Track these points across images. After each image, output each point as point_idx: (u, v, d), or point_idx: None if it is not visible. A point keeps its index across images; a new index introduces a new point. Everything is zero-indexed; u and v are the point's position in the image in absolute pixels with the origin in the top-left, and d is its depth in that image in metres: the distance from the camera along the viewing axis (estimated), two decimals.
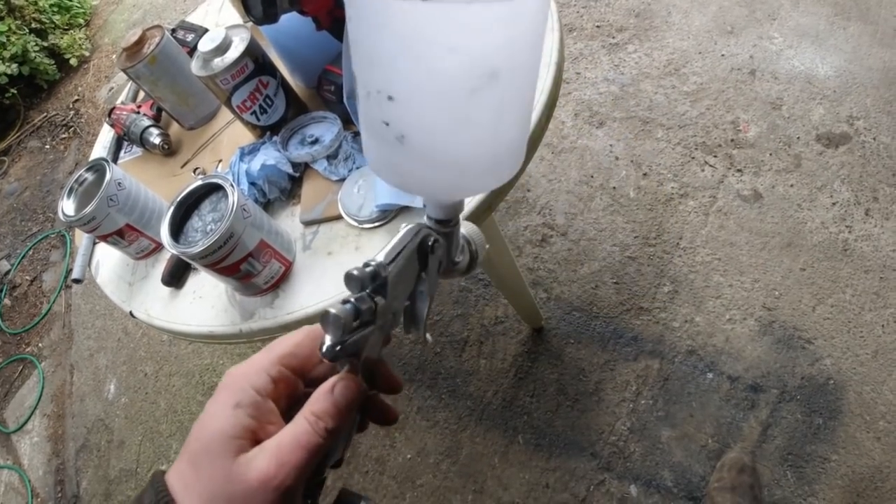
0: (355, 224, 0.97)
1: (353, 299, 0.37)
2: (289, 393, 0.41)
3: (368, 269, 0.38)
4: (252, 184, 1.05)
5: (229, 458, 0.36)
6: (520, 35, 0.34)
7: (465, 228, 0.51)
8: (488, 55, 0.33)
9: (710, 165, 1.92)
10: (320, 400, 0.39)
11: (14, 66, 3.71)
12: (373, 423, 0.46)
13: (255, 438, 0.38)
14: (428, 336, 0.48)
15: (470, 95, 0.34)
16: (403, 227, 0.43)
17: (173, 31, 1.38)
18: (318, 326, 0.39)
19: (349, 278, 0.37)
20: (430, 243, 0.43)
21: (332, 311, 0.35)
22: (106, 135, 1.46)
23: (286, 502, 0.36)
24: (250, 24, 1.08)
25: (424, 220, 0.45)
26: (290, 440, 0.37)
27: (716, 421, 1.55)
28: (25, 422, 2.53)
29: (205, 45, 1.01)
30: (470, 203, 0.90)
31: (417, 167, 0.38)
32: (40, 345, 2.74)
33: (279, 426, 0.39)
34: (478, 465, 1.69)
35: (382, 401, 0.45)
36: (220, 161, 1.23)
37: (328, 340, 0.36)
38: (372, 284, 0.38)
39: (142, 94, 1.49)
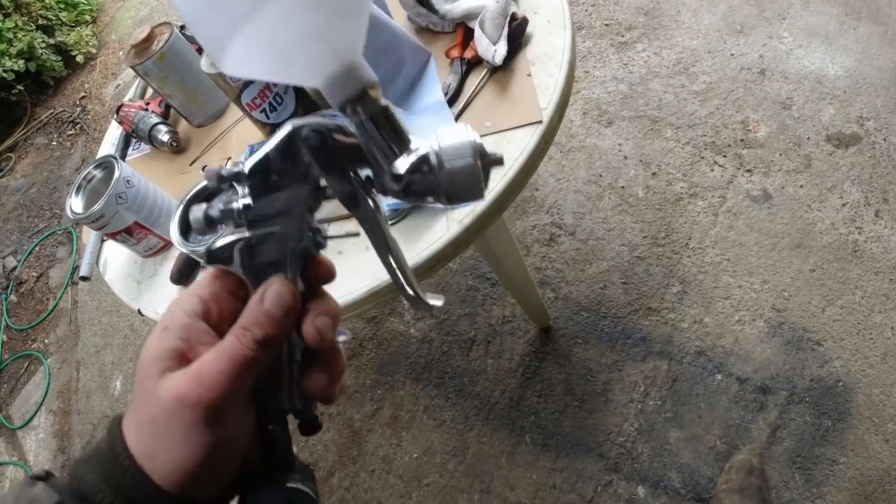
0: None
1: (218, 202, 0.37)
2: (230, 313, 0.39)
3: (227, 169, 0.37)
4: None
5: (153, 380, 0.35)
6: None
7: (444, 140, 0.37)
8: None
9: (720, 165, 1.91)
10: (250, 311, 0.37)
11: (21, 62, 3.71)
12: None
13: (184, 360, 0.36)
14: (434, 301, 0.42)
15: None
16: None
17: (182, 27, 1.38)
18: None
19: (207, 174, 0.37)
20: (304, 140, 0.37)
21: (192, 208, 0.37)
22: (114, 132, 1.46)
23: (210, 421, 0.34)
24: None
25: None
26: (212, 356, 0.35)
27: (724, 422, 1.54)
28: (31, 418, 2.53)
29: None
30: (481, 202, 0.90)
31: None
32: (46, 341, 2.75)
33: (184, 338, 0.37)
34: (484, 465, 1.68)
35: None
36: (229, 159, 1.23)
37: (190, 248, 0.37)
38: (242, 186, 0.38)
39: (150, 91, 1.49)
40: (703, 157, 1.95)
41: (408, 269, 0.42)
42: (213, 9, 0.34)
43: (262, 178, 0.37)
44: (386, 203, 0.93)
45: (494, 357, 1.82)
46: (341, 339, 0.41)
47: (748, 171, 1.88)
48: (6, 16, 3.69)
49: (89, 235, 1.25)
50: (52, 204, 3.36)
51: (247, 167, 0.37)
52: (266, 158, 0.37)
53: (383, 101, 0.36)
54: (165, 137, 1.30)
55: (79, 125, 3.72)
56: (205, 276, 0.40)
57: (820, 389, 1.52)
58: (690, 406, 1.58)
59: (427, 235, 0.91)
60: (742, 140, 1.94)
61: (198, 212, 0.37)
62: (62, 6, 4.06)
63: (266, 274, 0.38)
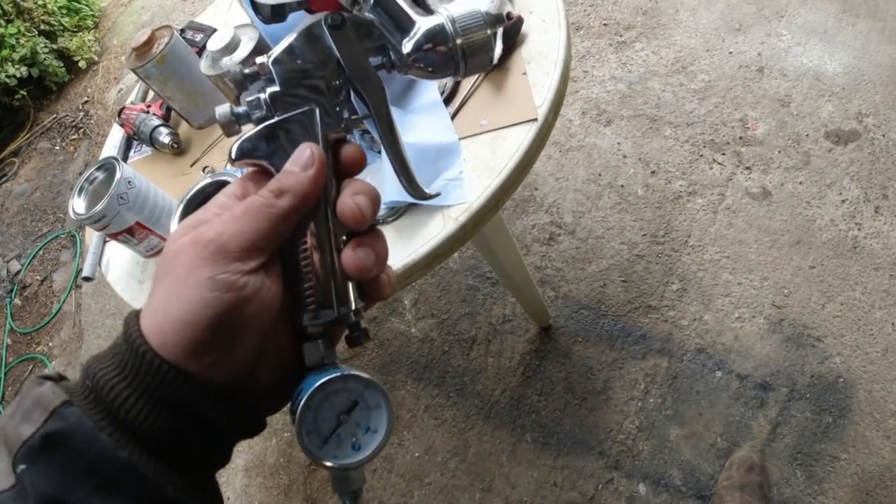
0: None
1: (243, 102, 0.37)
2: None
3: (248, 68, 0.37)
4: None
5: (176, 241, 0.34)
6: None
7: (455, 9, 0.40)
8: None
9: (719, 163, 1.92)
10: (279, 174, 0.36)
11: (23, 68, 3.73)
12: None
13: None
14: (430, 192, 0.44)
15: None
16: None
17: (182, 31, 1.39)
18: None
19: (233, 77, 0.37)
20: (325, 21, 0.39)
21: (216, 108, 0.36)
22: (116, 134, 1.47)
23: (213, 259, 0.32)
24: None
25: None
26: (231, 209, 0.35)
27: (725, 419, 1.54)
28: None
29: (214, 44, 1.01)
30: (477, 199, 0.91)
31: None
32: (50, 344, 2.76)
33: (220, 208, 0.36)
34: (486, 464, 1.69)
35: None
36: None
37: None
38: (260, 83, 0.38)
39: (151, 94, 1.50)
40: (702, 155, 1.95)
41: (407, 156, 0.43)
42: None
43: (286, 66, 0.38)
44: (384, 202, 0.94)
45: (495, 356, 1.83)
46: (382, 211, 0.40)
47: (747, 168, 1.88)
48: (8, 22, 3.71)
49: (92, 237, 1.26)
50: (56, 208, 3.37)
51: (271, 57, 0.38)
52: (290, 47, 0.38)
53: None
54: (166, 139, 1.31)
55: (82, 129, 3.73)
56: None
57: (820, 386, 1.53)
58: (691, 403, 1.59)
59: (423, 233, 0.92)
60: (741, 138, 1.95)
61: (222, 109, 0.37)
62: (64, 11, 4.08)
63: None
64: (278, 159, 0.37)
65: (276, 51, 0.39)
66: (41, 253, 3.17)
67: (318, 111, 0.38)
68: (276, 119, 0.38)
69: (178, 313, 0.32)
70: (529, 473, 1.63)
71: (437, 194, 0.44)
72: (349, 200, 0.37)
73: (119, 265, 1.21)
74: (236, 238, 0.33)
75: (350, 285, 0.38)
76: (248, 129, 0.38)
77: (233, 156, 0.37)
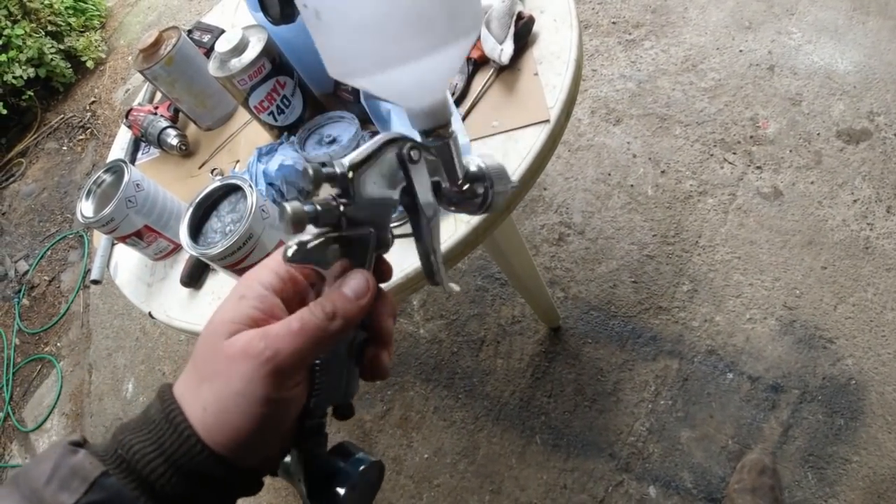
0: None
1: (313, 201, 0.37)
2: (299, 294, 0.41)
3: (326, 169, 0.37)
4: (270, 184, 1.05)
5: (220, 339, 0.36)
6: None
7: (486, 161, 0.47)
8: None
9: (730, 163, 1.90)
10: (328, 293, 0.39)
11: (30, 68, 3.74)
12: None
13: (255, 327, 0.37)
14: (452, 286, 0.46)
15: None
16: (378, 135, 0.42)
17: (189, 32, 1.38)
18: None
19: (304, 173, 0.37)
20: (405, 151, 0.41)
21: (287, 205, 0.35)
22: (123, 136, 1.46)
23: (271, 378, 0.35)
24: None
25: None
26: (283, 322, 0.36)
27: (736, 422, 1.53)
28: (44, 421, 2.55)
29: (222, 45, 1.01)
30: None
31: (343, 41, 0.38)
32: (59, 344, 2.77)
33: (259, 306, 0.38)
34: (495, 466, 1.68)
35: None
36: (238, 162, 1.23)
37: (291, 242, 0.37)
38: (334, 187, 0.38)
39: (159, 96, 1.50)
40: (712, 155, 1.94)
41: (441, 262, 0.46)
42: (381, 36, 0.38)
43: (363, 185, 0.39)
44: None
45: (504, 357, 1.82)
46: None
47: (758, 168, 1.87)
48: (15, 22, 3.72)
49: (100, 239, 1.25)
50: (64, 208, 3.38)
51: (348, 163, 0.38)
52: (368, 160, 0.39)
53: (454, 131, 0.44)
54: (174, 141, 1.30)
55: (89, 130, 3.74)
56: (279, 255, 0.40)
57: (832, 388, 1.51)
58: (702, 405, 1.58)
59: None
60: (752, 137, 1.93)
61: (297, 207, 0.37)
62: (71, 12, 4.08)
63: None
64: (327, 268, 0.40)
65: (355, 161, 0.39)
66: (49, 253, 3.17)
67: (374, 237, 0.40)
68: (340, 234, 0.38)
69: (234, 422, 0.35)
70: (539, 475, 1.63)
71: (456, 289, 0.48)
72: (388, 320, 0.42)
73: (127, 268, 1.21)
74: (292, 358, 0.35)
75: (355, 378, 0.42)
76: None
77: (289, 256, 0.36)
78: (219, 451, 0.35)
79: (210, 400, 0.35)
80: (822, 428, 1.48)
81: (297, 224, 0.36)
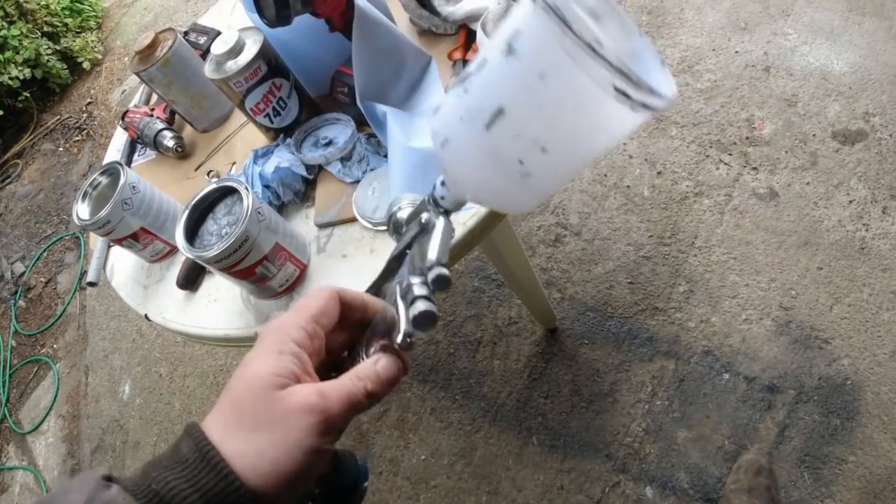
0: (370, 226, 0.96)
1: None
2: (317, 350, 0.44)
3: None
4: (266, 186, 1.05)
5: (272, 391, 0.39)
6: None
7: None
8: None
9: (725, 163, 1.91)
10: (366, 366, 0.43)
11: (27, 69, 3.73)
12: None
13: (297, 381, 0.40)
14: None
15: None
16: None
17: (185, 33, 1.38)
18: (336, 290, 0.46)
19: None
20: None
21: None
22: (119, 138, 1.46)
23: (323, 433, 0.39)
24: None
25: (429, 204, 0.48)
26: (334, 384, 0.41)
27: (732, 422, 1.54)
28: (41, 423, 2.55)
29: (218, 47, 1.01)
30: (484, 208, 0.90)
31: (520, 195, 0.42)
32: (55, 346, 2.76)
33: (314, 378, 0.42)
34: (492, 467, 1.68)
35: None
36: (234, 163, 1.23)
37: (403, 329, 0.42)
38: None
39: (155, 97, 1.49)
40: (708, 156, 1.94)
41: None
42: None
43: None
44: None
45: (501, 358, 1.82)
46: None
47: (754, 168, 1.87)
48: (11, 23, 3.71)
49: (96, 241, 1.25)
50: (60, 209, 3.38)
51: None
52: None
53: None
54: (170, 143, 1.30)
55: (85, 131, 3.74)
56: (307, 312, 0.44)
57: (828, 388, 1.52)
58: (698, 406, 1.58)
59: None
60: (747, 138, 1.94)
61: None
62: (67, 12, 4.08)
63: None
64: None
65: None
66: (45, 255, 3.17)
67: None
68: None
69: (285, 469, 0.38)
70: (536, 476, 1.63)
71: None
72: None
73: (124, 270, 1.21)
74: (340, 419, 0.40)
75: None
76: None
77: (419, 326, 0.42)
78: (262, 489, 0.38)
79: (266, 448, 0.38)
80: (819, 428, 1.48)
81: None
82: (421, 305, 0.42)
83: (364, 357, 0.46)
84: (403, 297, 0.44)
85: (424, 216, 0.47)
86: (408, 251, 0.48)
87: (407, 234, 0.48)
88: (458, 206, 0.46)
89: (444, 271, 0.44)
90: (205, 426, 0.40)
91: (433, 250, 0.44)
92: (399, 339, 0.42)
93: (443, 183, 0.47)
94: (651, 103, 0.33)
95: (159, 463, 0.38)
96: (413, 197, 0.61)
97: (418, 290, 0.43)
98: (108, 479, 0.38)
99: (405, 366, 0.46)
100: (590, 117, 0.36)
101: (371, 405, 0.43)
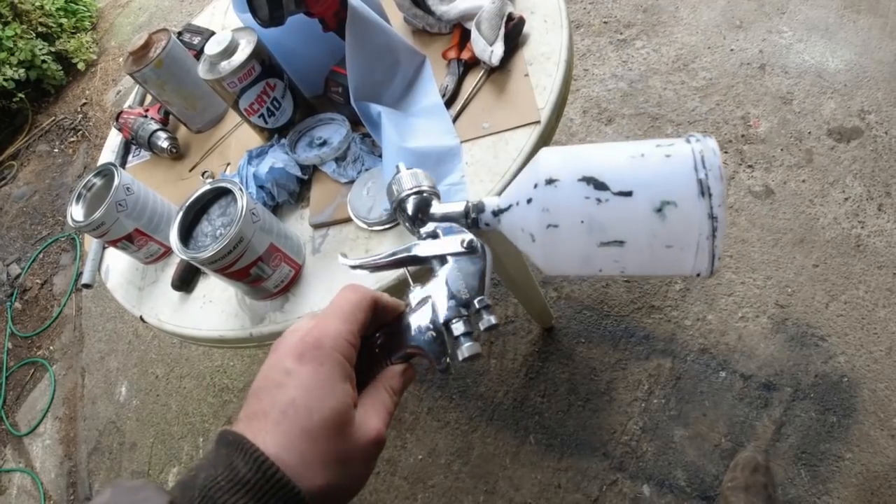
0: (365, 226, 0.96)
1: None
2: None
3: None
4: (260, 187, 1.05)
5: (348, 427, 0.40)
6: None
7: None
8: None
9: (721, 161, 1.90)
10: (393, 376, 0.47)
11: (21, 70, 3.72)
12: None
13: (355, 405, 0.43)
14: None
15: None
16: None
17: (179, 34, 1.38)
18: (375, 296, 0.47)
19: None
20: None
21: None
22: (114, 139, 1.46)
23: (381, 450, 0.43)
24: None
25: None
26: (380, 406, 0.44)
27: (729, 420, 1.54)
28: (37, 425, 2.54)
29: (211, 48, 1.00)
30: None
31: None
32: (51, 348, 2.75)
33: (355, 390, 0.44)
34: (489, 466, 1.68)
35: None
36: (229, 164, 1.23)
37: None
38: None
39: (149, 98, 1.49)
40: None
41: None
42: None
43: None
44: (384, 208, 0.93)
45: (498, 357, 1.82)
46: None
47: (749, 166, 1.87)
48: (6, 24, 3.70)
49: (91, 243, 1.25)
50: (55, 211, 3.37)
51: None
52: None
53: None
54: (165, 144, 1.30)
55: (80, 132, 3.73)
56: (353, 325, 0.44)
57: (825, 385, 1.52)
58: (695, 404, 1.58)
59: None
60: (743, 136, 1.94)
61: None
62: (62, 13, 4.06)
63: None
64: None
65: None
66: (41, 256, 3.16)
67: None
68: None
69: (352, 492, 0.41)
70: (533, 475, 1.63)
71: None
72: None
73: (119, 272, 1.20)
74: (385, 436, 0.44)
75: None
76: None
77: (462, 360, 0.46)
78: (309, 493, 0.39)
79: (340, 481, 0.40)
80: (815, 425, 1.48)
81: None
82: (471, 348, 0.45)
83: (388, 360, 0.47)
84: (445, 326, 0.46)
85: (467, 239, 0.50)
86: (435, 264, 0.50)
87: (437, 243, 0.51)
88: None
89: (495, 320, 0.47)
90: (269, 450, 0.38)
91: (484, 288, 0.48)
92: (443, 366, 0.45)
93: (495, 213, 0.53)
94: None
95: (219, 486, 0.37)
96: (411, 172, 0.62)
97: (465, 326, 0.45)
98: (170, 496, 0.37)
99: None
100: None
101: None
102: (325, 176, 1.05)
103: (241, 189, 0.86)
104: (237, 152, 1.22)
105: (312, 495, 0.38)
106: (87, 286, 1.21)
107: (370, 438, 0.41)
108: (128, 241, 1.07)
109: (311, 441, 0.39)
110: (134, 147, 1.43)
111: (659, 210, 0.43)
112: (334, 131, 1.07)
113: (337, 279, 0.94)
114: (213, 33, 1.35)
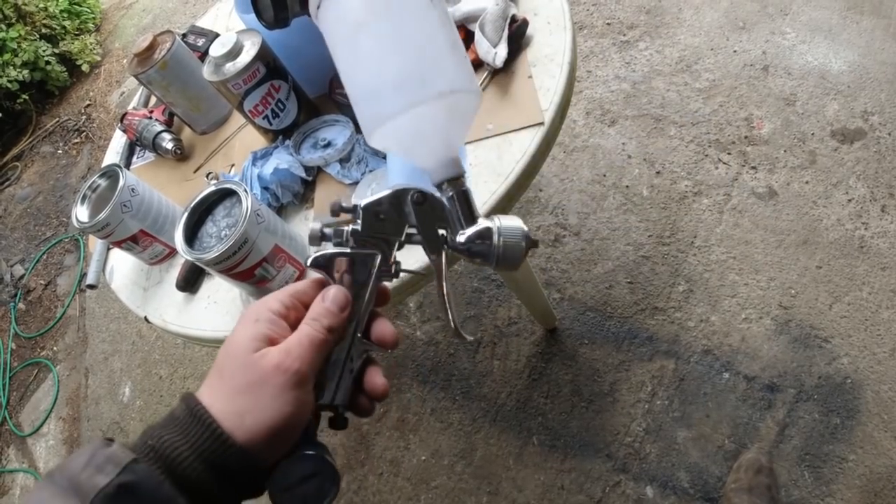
0: None
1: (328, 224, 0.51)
2: (298, 319, 0.49)
3: (344, 203, 0.51)
4: (265, 188, 1.05)
5: (249, 355, 0.45)
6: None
7: (501, 219, 0.51)
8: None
9: (724, 163, 1.91)
10: (315, 306, 0.49)
11: (25, 72, 3.73)
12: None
13: (271, 343, 0.46)
14: (463, 334, 0.54)
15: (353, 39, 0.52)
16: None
17: (184, 35, 1.38)
18: (321, 279, 0.51)
19: (332, 206, 0.51)
20: (411, 196, 0.50)
21: (310, 224, 0.51)
22: (118, 140, 1.46)
23: (297, 385, 0.44)
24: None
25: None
26: (295, 338, 0.46)
27: (732, 421, 1.54)
28: (41, 425, 2.54)
29: (216, 49, 1.01)
30: (484, 205, 0.90)
31: (359, 107, 0.54)
32: (55, 348, 2.76)
33: (272, 329, 0.47)
34: (492, 467, 1.68)
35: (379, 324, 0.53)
36: (233, 165, 1.23)
37: (311, 252, 0.51)
38: (350, 216, 0.51)
39: (153, 99, 1.49)
40: (707, 155, 1.94)
41: (454, 306, 0.53)
42: (374, 101, 0.52)
43: (370, 214, 0.51)
44: None
45: (501, 359, 1.82)
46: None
47: (753, 168, 1.87)
48: (10, 26, 3.71)
49: (95, 243, 1.25)
50: (59, 212, 3.38)
51: (362, 203, 0.51)
52: (378, 201, 0.51)
53: (467, 186, 0.52)
54: (169, 145, 1.30)
55: (84, 133, 3.73)
56: (288, 287, 0.51)
57: (828, 387, 1.52)
58: (698, 405, 1.58)
59: None
60: (746, 137, 1.94)
61: (315, 227, 0.51)
62: (66, 15, 4.07)
63: (353, 287, 0.51)
64: (335, 279, 0.51)
65: (367, 200, 0.51)
66: (45, 257, 3.17)
67: (378, 258, 0.51)
68: (348, 250, 0.51)
69: (268, 423, 0.43)
70: (536, 476, 1.63)
71: (472, 338, 0.56)
72: (390, 329, 0.52)
73: (123, 272, 1.21)
74: (310, 367, 0.45)
75: (347, 386, 0.50)
76: (325, 247, 0.51)
77: (308, 263, 0.51)
78: (248, 447, 0.42)
79: (248, 407, 0.43)
80: (819, 427, 1.48)
81: (312, 238, 0.51)
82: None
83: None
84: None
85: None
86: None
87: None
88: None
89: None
90: (197, 393, 0.45)
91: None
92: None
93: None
94: None
95: (155, 425, 0.43)
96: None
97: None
98: (109, 440, 0.42)
99: (386, 296, 0.54)
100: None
101: (336, 338, 0.49)
102: (330, 177, 1.05)
103: (245, 190, 0.87)
104: (242, 153, 1.22)
105: (224, 421, 0.42)
106: (91, 287, 1.21)
107: (269, 364, 0.44)
108: (132, 242, 1.07)
109: (218, 371, 0.45)
110: (138, 148, 1.43)
111: None
112: (339, 133, 1.07)
113: None
114: (217, 35, 1.35)
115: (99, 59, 4.13)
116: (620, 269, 1.83)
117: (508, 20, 1.03)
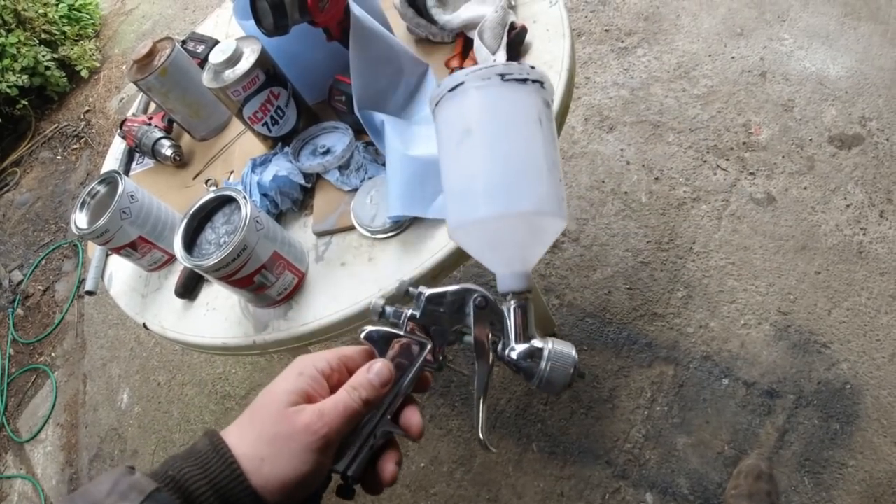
0: (368, 234, 0.96)
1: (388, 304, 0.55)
2: (340, 382, 0.50)
3: (411, 289, 0.55)
4: (264, 195, 1.05)
5: (283, 407, 0.46)
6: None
7: (557, 345, 0.52)
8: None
9: (723, 169, 1.91)
10: (358, 375, 0.50)
11: (25, 77, 3.73)
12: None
13: (308, 400, 0.48)
14: (489, 446, 0.55)
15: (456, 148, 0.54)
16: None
17: (184, 42, 1.39)
18: (372, 350, 0.54)
19: (398, 286, 0.56)
20: (474, 299, 0.53)
21: (373, 299, 0.56)
22: (118, 146, 1.46)
23: (321, 449, 0.46)
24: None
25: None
26: (332, 402, 0.48)
27: (732, 427, 1.53)
28: (39, 431, 2.54)
29: (216, 56, 1.01)
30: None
31: (450, 204, 0.56)
32: (53, 354, 2.75)
33: (313, 386, 0.49)
34: (491, 474, 1.68)
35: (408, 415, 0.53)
36: (232, 172, 1.23)
37: (367, 327, 0.54)
38: (412, 302, 0.54)
39: (153, 106, 1.50)
40: (705, 161, 1.95)
41: (485, 416, 0.55)
42: (465, 201, 0.54)
43: (432, 304, 0.54)
44: (388, 216, 0.94)
45: (500, 365, 1.81)
46: None
47: (751, 174, 1.88)
48: (9, 31, 3.71)
49: (94, 250, 1.25)
50: (58, 218, 3.37)
51: (427, 292, 0.54)
52: (443, 294, 0.54)
53: (529, 303, 0.53)
54: (168, 152, 1.30)
55: (83, 139, 3.73)
56: (339, 350, 0.53)
57: (827, 392, 1.52)
58: (698, 411, 1.58)
59: (429, 246, 0.91)
60: (744, 143, 1.94)
61: (377, 303, 0.55)
62: (65, 20, 4.08)
63: (398, 367, 0.52)
64: (383, 355, 0.53)
65: (432, 291, 0.54)
66: (43, 263, 3.16)
67: (429, 347, 0.53)
68: (402, 333, 0.54)
69: (285, 475, 0.45)
70: (536, 483, 1.62)
71: (495, 451, 0.58)
72: (418, 419, 0.53)
73: (122, 279, 1.21)
74: (337, 434, 0.47)
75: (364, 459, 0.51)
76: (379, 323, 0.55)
77: (362, 336, 0.54)
78: (261, 493, 0.44)
79: (269, 456, 0.45)
80: (818, 433, 1.48)
81: (373, 313, 0.55)
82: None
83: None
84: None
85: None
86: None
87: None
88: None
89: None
90: (225, 430, 0.47)
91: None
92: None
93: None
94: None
95: (177, 456, 0.45)
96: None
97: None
98: (132, 468, 0.44)
99: (426, 384, 0.56)
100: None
101: (369, 410, 0.50)
102: (329, 184, 1.05)
103: (244, 197, 0.87)
104: (241, 160, 1.23)
105: (244, 462, 0.44)
106: (90, 293, 1.21)
107: (301, 423, 0.45)
108: (131, 249, 1.07)
109: (251, 415, 0.48)
110: (138, 155, 1.43)
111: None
112: (338, 139, 1.07)
113: (340, 286, 0.94)
114: (217, 42, 1.35)
115: (98, 64, 4.13)
116: (619, 275, 1.83)
117: (507, 27, 1.03)
